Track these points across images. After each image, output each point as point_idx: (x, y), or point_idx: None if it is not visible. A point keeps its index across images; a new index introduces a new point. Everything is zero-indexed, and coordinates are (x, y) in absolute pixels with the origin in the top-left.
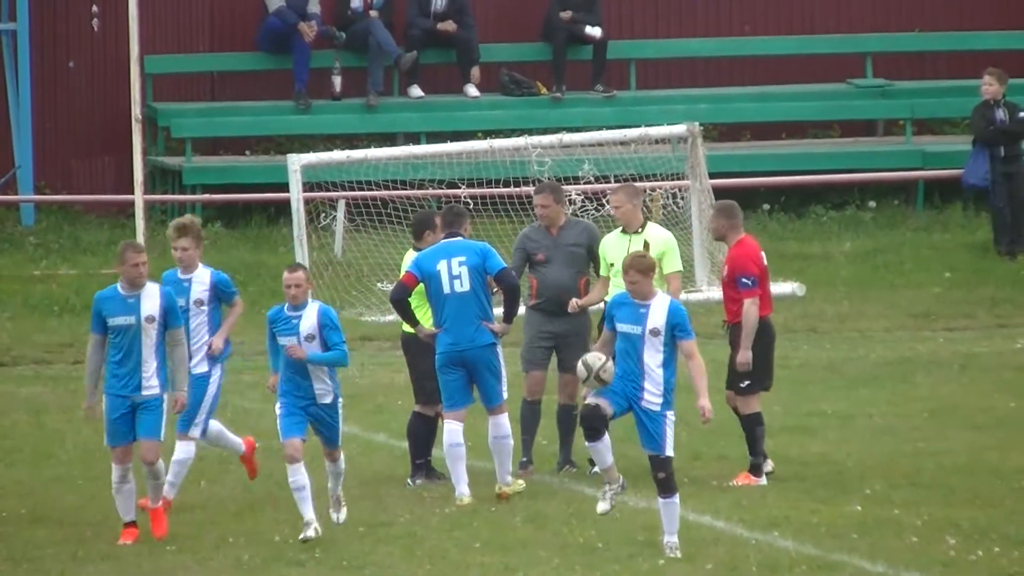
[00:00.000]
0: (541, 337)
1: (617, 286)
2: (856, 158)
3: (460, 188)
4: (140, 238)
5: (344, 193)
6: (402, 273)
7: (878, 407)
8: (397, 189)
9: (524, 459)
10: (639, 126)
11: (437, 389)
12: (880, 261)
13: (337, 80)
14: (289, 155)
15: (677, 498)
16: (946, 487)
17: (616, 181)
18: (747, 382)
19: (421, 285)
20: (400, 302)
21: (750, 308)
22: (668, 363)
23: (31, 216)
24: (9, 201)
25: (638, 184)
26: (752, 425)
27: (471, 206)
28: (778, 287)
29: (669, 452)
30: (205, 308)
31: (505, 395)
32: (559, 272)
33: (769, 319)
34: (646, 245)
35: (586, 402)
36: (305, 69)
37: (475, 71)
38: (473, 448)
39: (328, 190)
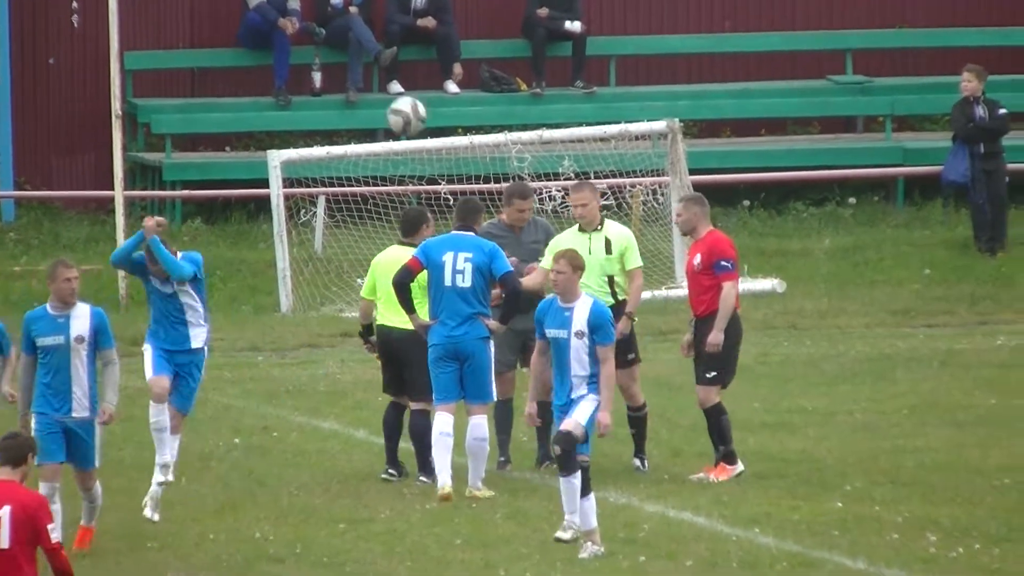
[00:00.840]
0: (507, 335)
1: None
2: (836, 154)
3: (440, 184)
4: (120, 234)
5: (324, 189)
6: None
7: (858, 404)
8: (377, 185)
9: (502, 458)
10: (619, 122)
11: (416, 382)
12: (860, 258)
13: (317, 76)
14: (269, 151)
15: (576, 480)
16: (926, 484)
17: (596, 177)
18: (713, 373)
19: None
20: (402, 286)
21: (729, 291)
22: (594, 365)
23: (11, 212)
24: None
25: (614, 181)
26: (716, 415)
27: (451, 202)
28: (758, 283)
29: (572, 427)
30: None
31: (493, 395)
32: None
33: (739, 316)
34: (608, 243)
35: (559, 430)
36: (285, 65)
37: (456, 68)
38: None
39: (308, 186)
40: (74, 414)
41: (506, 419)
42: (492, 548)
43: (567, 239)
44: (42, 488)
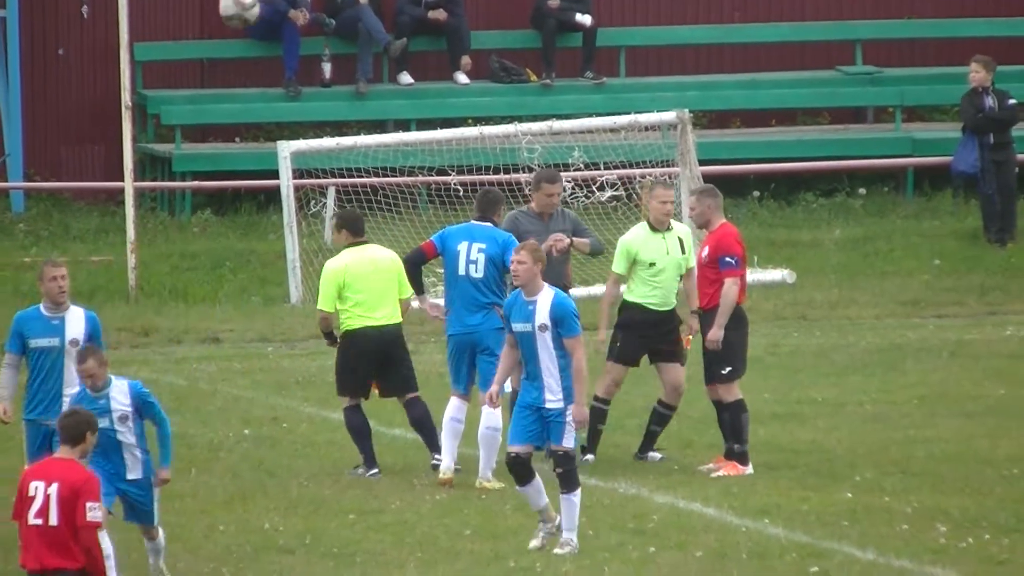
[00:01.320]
0: None
1: (656, 284)
2: (846, 145)
3: (450, 175)
4: (130, 225)
5: (334, 180)
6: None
7: (868, 394)
8: (387, 176)
9: None
10: (629, 113)
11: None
12: (870, 248)
13: (327, 67)
14: (279, 142)
15: (577, 496)
16: (936, 475)
17: (606, 168)
18: (728, 368)
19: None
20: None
21: (731, 288)
22: (562, 358)
23: (21, 203)
24: None
25: (624, 172)
26: (737, 412)
27: (461, 193)
28: (768, 274)
29: (568, 444)
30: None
31: (507, 386)
32: (550, 257)
33: (743, 308)
34: (680, 242)
35: (508, 451)
36: (295, 56)
37: (465, 59)
38: (463, 435)
39: (318, 177)
40: None
41: None
42: (501, 539)
43: (641, 238)
44: None
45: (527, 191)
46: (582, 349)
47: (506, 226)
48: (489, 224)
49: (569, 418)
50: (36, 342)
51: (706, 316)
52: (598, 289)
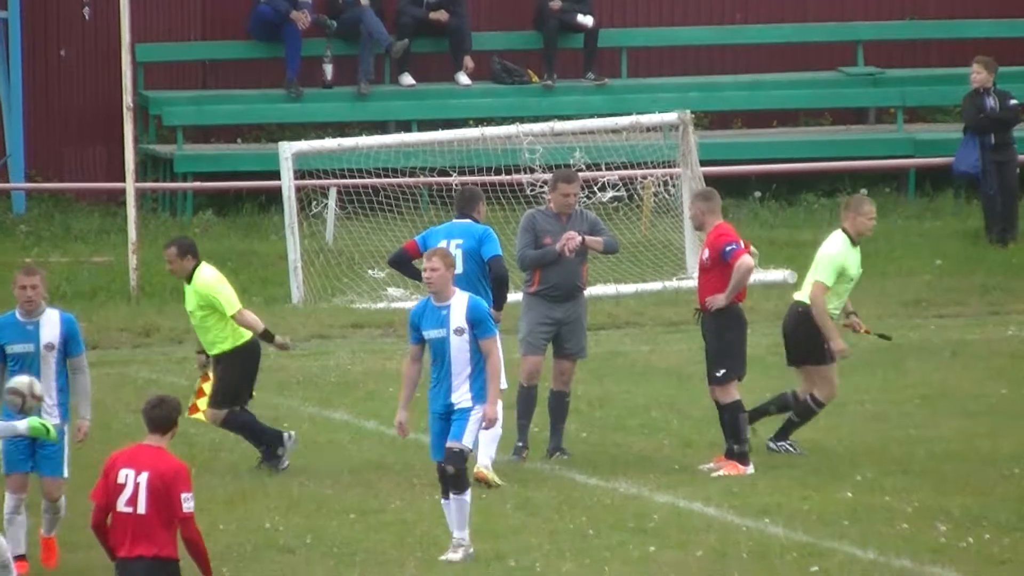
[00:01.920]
0: (544, 323)
1: (842, 295)
2: (847, 146)
3: (452, 176)
4: (131, 226)
5: (335, 181)
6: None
7: (869, 394)
8: (388, 177)
9: (519, 444)
10: (630, 114)
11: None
12: (871, 249)
13: (328, 68)
14: (280, 143)
15: (468, 495)
16: (937, 474)
17: (608, 169)
18: (723, 370)
19: None
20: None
21: (744, 260)
22: (477, 361)
23: (22, 204)
24: (0, 189)
25: (625, 172)
26: (734, 413)
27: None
28: (769, 274)
29: (466, 445)
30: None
31: (504, 383)
32: (563, 260)
33: (741, 308)
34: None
35: (438, 464)
36: (297, 57)
37: (467, 60)
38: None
39: (319, 178)
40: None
41: (528, 405)
42: (502, 538)
43: (843, 252)
44: (8, 501)
45: (528, 192)
46: (498, 350)
47: (524, 224)
48: (468, 220)
49: (479, 416)
50: (12, 348)
51: (705, 319)
52: (598, 290)
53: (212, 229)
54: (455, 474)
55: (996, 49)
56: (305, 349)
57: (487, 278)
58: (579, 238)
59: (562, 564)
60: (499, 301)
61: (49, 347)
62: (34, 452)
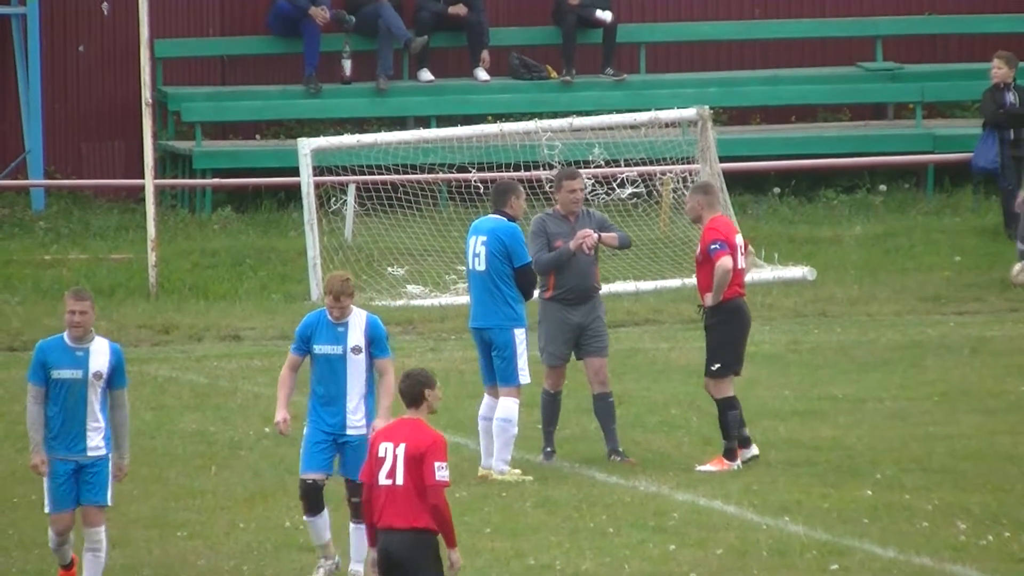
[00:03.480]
0: (565, 328)
1: None
2: (866, 142)
3: (470, 172)
4: (150, 223)
5: (354, 177)
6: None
7: (889, 391)
8: (407, 173)
9: (548, 448)
10: (649, 110)
11: None
12: (890, 245)
13: (347, 64)
14: (299, 139)
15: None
16: (957, 471)
17: (627, 165)
18: (717, 365)
19: None
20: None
21: (722, 261)
22: (371, 381)
23: (41, 201)
24: (19, 186)
25: (644, 168)
26: (725, 409)
27: (481, 190)
28: (788, 271)
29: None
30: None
31: (522, 379)
32: (579, 259)
33: (744, 303)
34: None
35: (302, 477)
36: (315, 53)
37: (485, 54)
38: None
39: (338, 174)
40: (89, 453)
41: (553, 411)
42: (522, 537)
43: None
44: (52, 538)
45: (548, 188)
46: (393, 369)
47: (534, 229)
48: (498, 216)
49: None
50: (59, 373)
51: (706, 312)
52: (617, 287)
53: (231, 226)
54: (356, 504)
55: (1015, 44)
56: None
57: (510, 279)
58: (594, 235)
59: (582, 562)
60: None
61: (98, 375)
62: (78, 485)
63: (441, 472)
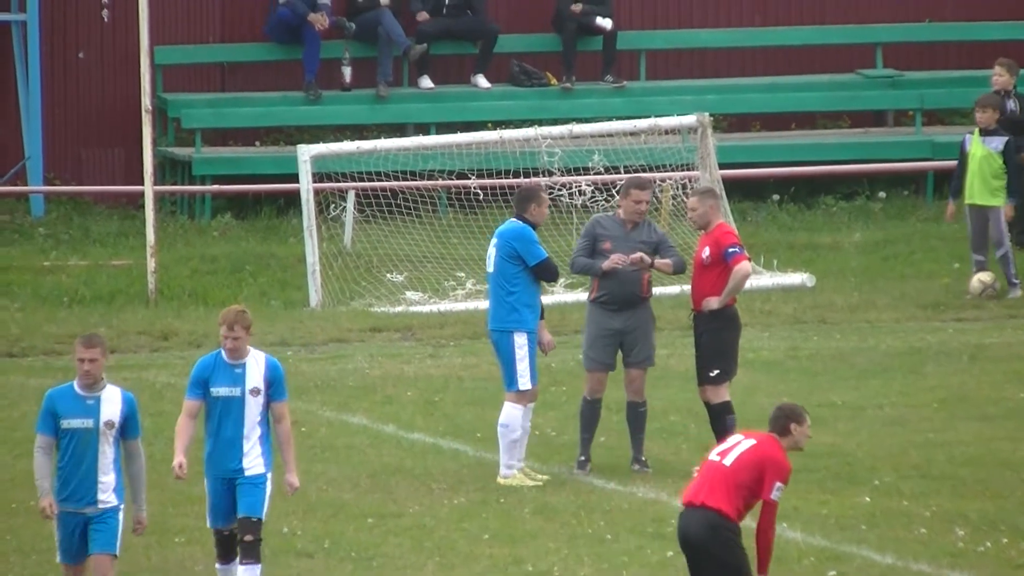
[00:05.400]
0: (605, 334)
1: None
2: (866, 149)
3: (470, 179)
4: (150, 229)
5: (354, 184)
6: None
7: (888, 398)
8: (407, 180)
9: (582, 457)
10: (649, 117)
11: None
12: (890, 252)
13: (347, 71)
14: (299, 146)
15: (259, 569)
16: (956, 478)
17: (626, 172)
18: (717, 371)
19: None
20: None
21: (744, 265)
22: (267, 423)
23: (41, 207)
24: (19, 192)
25: (649, 175)
26: (723, 414)
27: (481, 197)
28: (788, 278)
29: (263, 515)
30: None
31: (521, 385)
32: (623, 270)
33: (736, 309)
34: None
35: (214, 530)
36: (315, 59)
37: (485, 58)
38: (483, 439)
39: (338, 181)
40: (99, 505)
41: (591, 418)
42: (520, 543)
43: None
44: None
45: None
46: (289, 414)
47: (585, 228)
48: (518, 220)
49: (268, 484)
50: (69, 422)
51: (701, 318)
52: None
53: (230, 232)
54: (252, 543)
55: (1014, 51)
56: (323, 353)
57: (516, 281)
58: (632, 257)
59: (580, 569)
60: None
61: (109, 425)
62: (88, 535)
63: (776, 493)
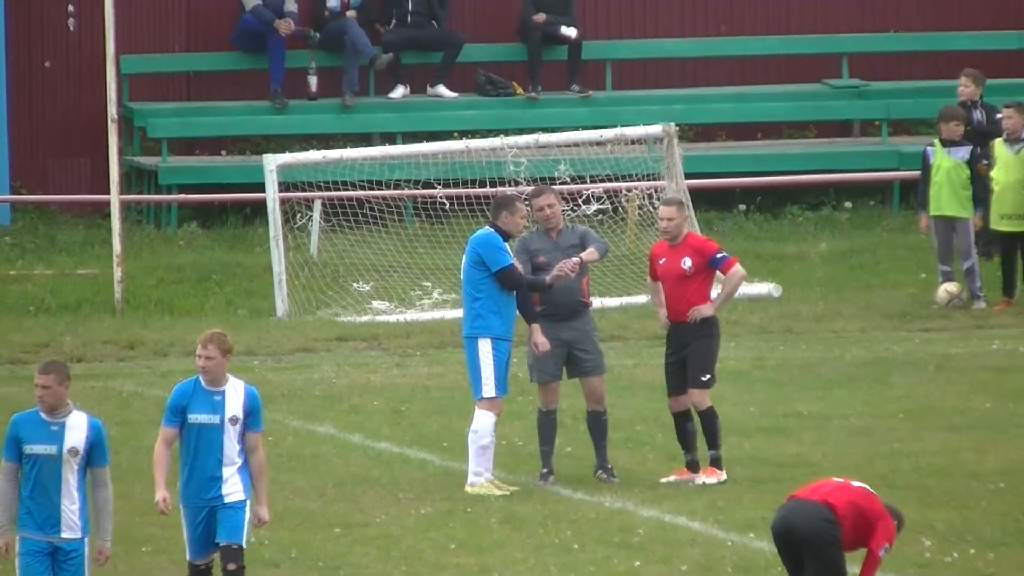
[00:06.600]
0: (552, 344)
1: None
2: (832, 158)
3: (436, 188)
4: (116, 239)
5: (320, 193)
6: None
7: (854, 408)
8: (373, 189)
9: (545, 470)
10: (615, 126)
11: None
12: (856, 261)
13: (313, 80)
14: (265, 155)
15: None
16: (922, 488)
17: (592, 181)
18: (708, 376)
19: None
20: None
21: (739, 268)
22: (242, 453)
23: (7, 216)
24: None
25: (610, 185)
26: (712, 418)
27: (447, 206)
28: (754, 287)
29: (244, 541)
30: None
31: (486, 392)
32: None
33: (716, 317)
34: None
35: (190, 562)
36: (280, 68)
37: (448, 67)
38: (450, 448)
39: (304, 190)
40: (63, 534)
41: (550, 430)
42: (487, 552)
43: None
44: None
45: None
46: (261, 446)
47: (516, 248)
48: (490, 228)
49: (247, 513)
50: (32, 448)
51: (684, 328)
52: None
53: (196, 241)
54: (235, 571)
55: (980, 61)
56: (290, 362)
57: (481, 287)
58: (573, 260)
59: None
60: (526, 313)
61: (73, 452)
62: (54, 565)
63: (882, 552)
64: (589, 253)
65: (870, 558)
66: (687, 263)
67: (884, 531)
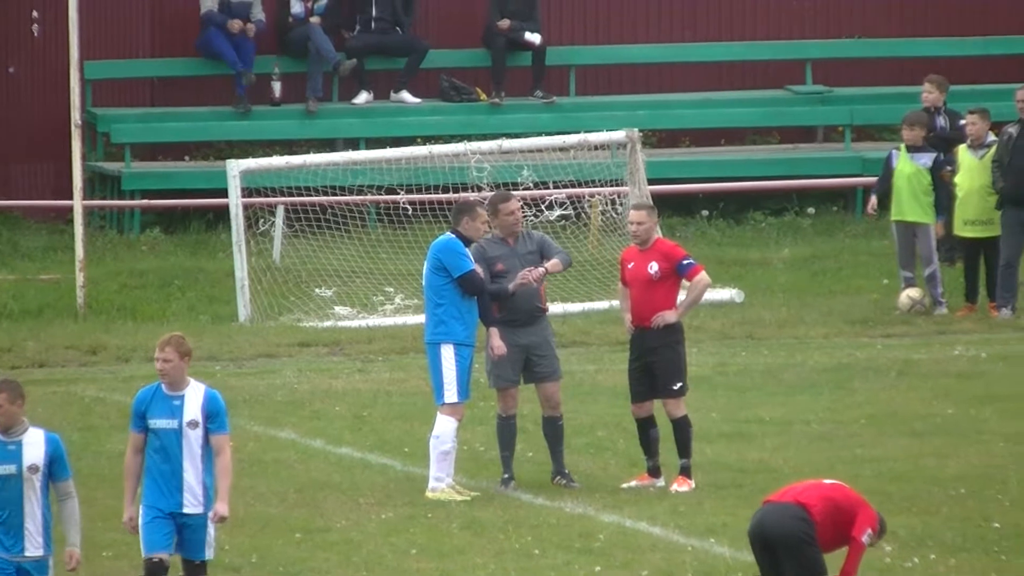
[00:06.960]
0: (509, 351)
1: None
2: (795, 164)
3: (399, 194)
4: (79, 244)
5: (283, 199)
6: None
7: (816, 414)
8: (336, 195)
9: (506, 475)
10: (578, 132)
11: None
12: (819, 267)
13: (277, 86)
14: (228, 160)
15: None
16: (883, 494)
17: (555, 187)
18: (680, 383)
19: None
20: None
21: (704, 275)
22: (209, 456)
23: None
24: None
25: (573, 191)
26: (685, 427)
27: (410, 212)
28: (716, 293)
29: (210, 555)
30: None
31: (448, 398)
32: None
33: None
34: None
35: (147, 557)
36: (249, 65)
37: (412, 73)
38: (411, 454)
39: (267, 195)
40: (27, 553)
41: (508, 436)
42: (448, 558)
43: None
44: None
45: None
46: (229, 449)
47: (474, 254)
48: (452, 233)
49: (210, 527)
50: None
51: (651, 334)
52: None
53: (159, 247)
54: None
55: (944, 68)
56: (252, 367)
57: (441, 292)
58: (539, 269)
59: None
60: (484, 316)
61: (33, 469)
62: None
63: (866, 538)
64: (554, 264)
65: (854, 545)
66: (654, 268)
67: (865, 518)
